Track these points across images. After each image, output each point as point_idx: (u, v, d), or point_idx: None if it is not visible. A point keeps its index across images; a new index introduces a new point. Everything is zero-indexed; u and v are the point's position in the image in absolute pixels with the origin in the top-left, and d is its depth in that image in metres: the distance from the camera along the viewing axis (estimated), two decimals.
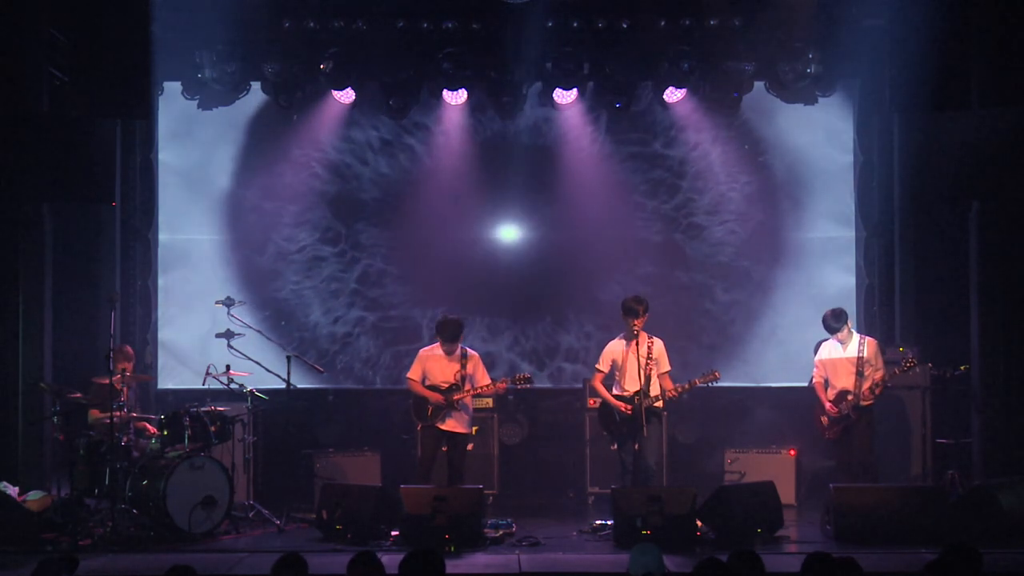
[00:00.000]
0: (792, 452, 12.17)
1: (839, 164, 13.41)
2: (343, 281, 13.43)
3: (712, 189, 13.41)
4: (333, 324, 13.38)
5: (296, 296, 13.38)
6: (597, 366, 11.05)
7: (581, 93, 13.16)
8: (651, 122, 13.41)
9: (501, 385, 11.12)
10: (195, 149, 13.42)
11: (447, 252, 13.35)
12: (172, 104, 13.25)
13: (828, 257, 13.35)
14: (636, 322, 10.66)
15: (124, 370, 10.97)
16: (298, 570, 6.08)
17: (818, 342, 11.51)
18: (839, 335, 11.07)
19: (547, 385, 13.16)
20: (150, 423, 11.16)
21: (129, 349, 11.66)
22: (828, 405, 11.00)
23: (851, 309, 11.70)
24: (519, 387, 11.23)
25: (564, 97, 13.12)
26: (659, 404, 10.79)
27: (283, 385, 11.36)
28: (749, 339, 13.29)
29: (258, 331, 11.64)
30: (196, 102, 13.23)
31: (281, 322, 13.16)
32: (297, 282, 13.40)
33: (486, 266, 13.36)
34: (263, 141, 13.38)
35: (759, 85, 13.17)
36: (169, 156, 13.39)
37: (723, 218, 13.40)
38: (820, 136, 13.39)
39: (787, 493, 11.55)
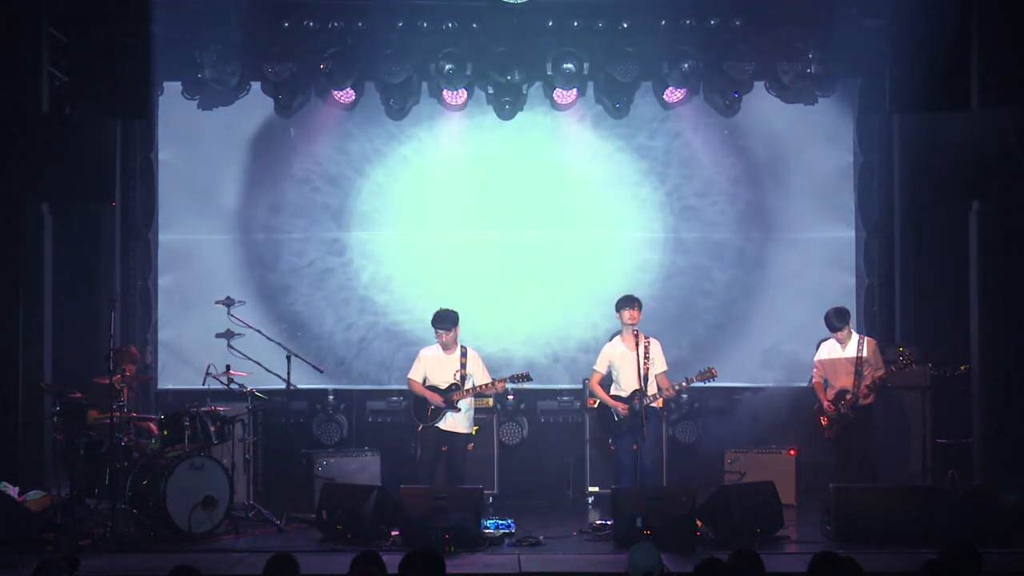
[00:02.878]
0: (792, 452, 12.16)
1: (839, 164, 13.42)
2: (352, 289, 13.41)
3: (702, 176, 13.41)
4: (346, 331, 13.36)
5: (309, 308, 13.33)
6: (595, 367, 11.08)
7: (581, 93, 13.17)
8: (651, 120, 13.41)
9: (500, 384, 11.12)
10: (195, 149, 13.41)
11: (451, 253, 13.36)
12: (172, 104, 13.25)
13: (828, 257, 13.36)
14: (631, 313, 10.69)
15: (124, 370, 10.97)
16: (290, 570, 6.06)
17: (819, 341, 11.51)
18: (839, 334, 11.07)
19: (547, 385, 13.13)
20: (150, 423, 11.15)
21: (134, 350, 11.66)
22: (827, 404, 11.00)
23: (851, 309, 11.72)
24: (518, 384, 11.22)
25: (564, 97, 13.13)
26: (658, 404, 10.82)
27: (283, 385, 11.37)
28: (751, 315, 13.29)
29: (258, 331, 11.63)
30: (196, 102, 13.23)
31: (297, 333, 13.14)
32: (309, 294, 13.37)
33: (490, 265, 13.36)
34: (263, 153, 13.38)
35: (759, 85, 13.19)
36: (169, 156, 13.39)
37: (714, 199, 13.39)
38: (820, 136, 13.40)
39: (787, 493, 11.54)
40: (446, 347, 11.07)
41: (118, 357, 10.80)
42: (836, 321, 11.09)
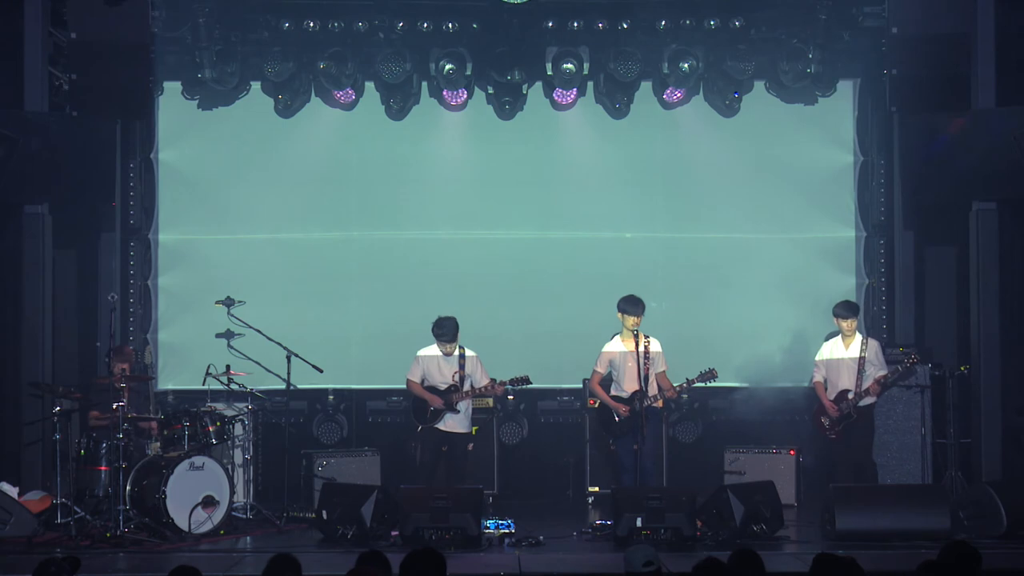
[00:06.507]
0: (792, 452, 12.16)
1: (839, 164, 13.43)
2: (352, 288, 13.40)
3: (702, 176, 13.42)
4: (346, 330, 13.33)
5: (309, 307, 13.28)
6: (595, 367, 11.06)
7: (581, 93, 13.17)
8: (651, 120, 13.40)
9: (500, 387, 11.10)
10: (195, 149, 13.42)
11: (451, 253, 13.36)
12: (172, 104, 13.25)
13: (828, 257, 13.36)
14: (635, 320, 10.69)
15: (124, 370, 10.98)
16: (291, 570, 6.05)
17: (825, 337, 11.51)
18: (845, 324, 11.00)
19: (547, 385, 13.09)
20: (150, 423, 11.15)
21: (128, 349, 11.67)
22: (829, 404, 10.99)
23: None
24: (518, 387, 11.21)
25: (564, 97, 13.13)
26: (658, 404, 10.82)
27: (283, 385, 11.37)
28: (751, 315, 13.26)
29: (258, 331, 11.62)
30: (196, 102, 13.24)
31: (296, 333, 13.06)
32: (309, 294, 13.32)
33: (490, 265, 13.37)
34: (263, 153, 13.38)
35: (759, 85, 13.20)
36: (169, 156, 13.39)
37: (714, 199, 13.42)
38: (820, 136, 13.40)
39: (787, 493, 11.56)
40: (446, 350, 11.04)
41: (113, 356, 10.81)
42: (843, 310, 11.04)
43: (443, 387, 10.96)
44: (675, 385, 10.81)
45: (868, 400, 10.97)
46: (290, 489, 11.47)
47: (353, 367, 13.30)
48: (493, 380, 11.10)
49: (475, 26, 12.54)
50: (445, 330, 10.96)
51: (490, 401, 12.29)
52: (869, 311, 13.26)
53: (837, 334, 11.22)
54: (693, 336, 13.09)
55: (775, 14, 12.51)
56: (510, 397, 12.70)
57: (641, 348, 10.68)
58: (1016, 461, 11.63)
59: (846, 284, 13.27)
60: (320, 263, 13.44)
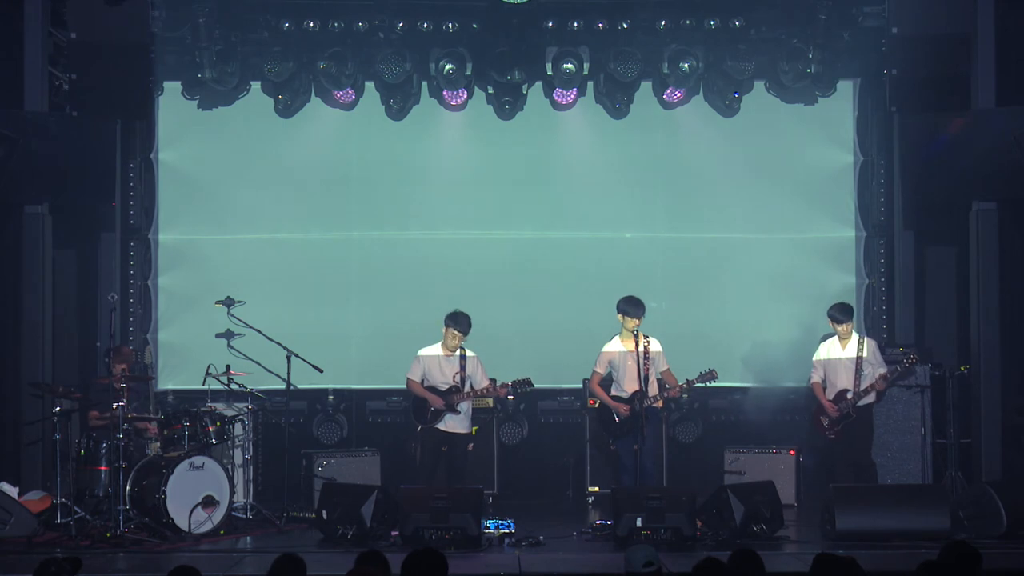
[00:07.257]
0: (792, 452, 12.17)
1: (839, 164, 13.44)
2: (352, 288, 13.41)
3: (702, 176, 13.43)
4: (346, 330, 13.33)
5: (310, 307, 13.28)
6: (594, 368, 11.05)
7: (581, 93, 13.17)
8: (651, 120, 13.41)
9: (503, 389, 11.07)
10: (195, 149, 13.42)
11: (451, 253, 13.36)
12: (172, 104, 13.25)
13: (828, 257, 13.36)
14: (635, 323, 10.68)
15: (124, 370, 10.97)
16: (296, 570, 6.06)
17: (821, 338, 11.51)
18: (842, 328, 11.00)
19: (547, 385, 13.08)
20: (150, 423, 11.15)
21: (127, 349, 11.66)
22: (828, 404, 10.98)
23: None
24: (520, 391, 11.19)
25: (564, 97, 13.14)
26: (658, 404, 10.81)
27: (283, 385, 11.37)
28: (751, 315, 13.25)
29: (258, 331, 11.62)
30: (196, 102, 13.24)
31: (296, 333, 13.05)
32: (309, 294, 13.32)
33: (490, 265, 13.37)
34: (263, 153, 13.38)
35: (759, 85, 13.20)
36: (169, 156, 13.39)
37: (714, 199, 13.42)
38: (820, 136, 13.41)
39: (787, 493, 11.56)
40: (449, 348, 11.02)
41: (111, 356, 10.81)
42: (839, 314, 11.03)
43: (444, 387, 10.95)
44: (676, 386, 10.80)
45: (867, 400, 10.97)
46: (290, 489, 11.47)
47: (353, 367, 13.30)
48: (493, 381, 11.09)
49: (475, 26, 12.55)
50: (461, 322, 10.92)
51: (490, 401, 12.29)
52: (869, 311, 13.26)
53: (834, 334, 11.22)
54: (693, 336, 13.07)
55: (775, 14, 12.52)
56: (510, 398, 12.69)
57: (641, 348, 10.67)
58: (1016, 461, 11.63)
59: (846, 284, 13.28)
60: (320, 263, 13.44)
